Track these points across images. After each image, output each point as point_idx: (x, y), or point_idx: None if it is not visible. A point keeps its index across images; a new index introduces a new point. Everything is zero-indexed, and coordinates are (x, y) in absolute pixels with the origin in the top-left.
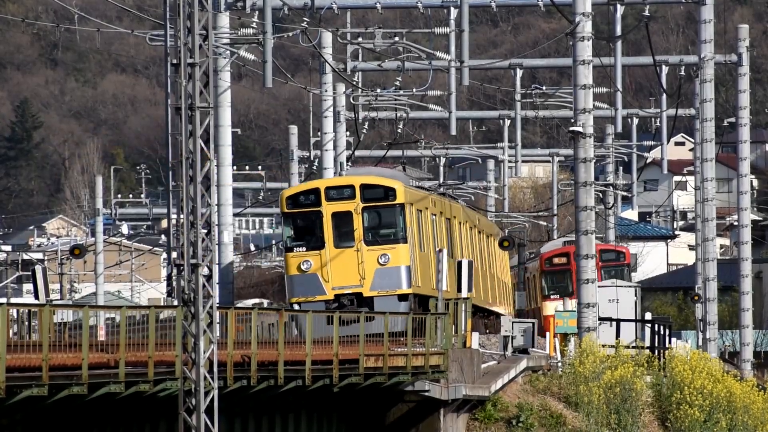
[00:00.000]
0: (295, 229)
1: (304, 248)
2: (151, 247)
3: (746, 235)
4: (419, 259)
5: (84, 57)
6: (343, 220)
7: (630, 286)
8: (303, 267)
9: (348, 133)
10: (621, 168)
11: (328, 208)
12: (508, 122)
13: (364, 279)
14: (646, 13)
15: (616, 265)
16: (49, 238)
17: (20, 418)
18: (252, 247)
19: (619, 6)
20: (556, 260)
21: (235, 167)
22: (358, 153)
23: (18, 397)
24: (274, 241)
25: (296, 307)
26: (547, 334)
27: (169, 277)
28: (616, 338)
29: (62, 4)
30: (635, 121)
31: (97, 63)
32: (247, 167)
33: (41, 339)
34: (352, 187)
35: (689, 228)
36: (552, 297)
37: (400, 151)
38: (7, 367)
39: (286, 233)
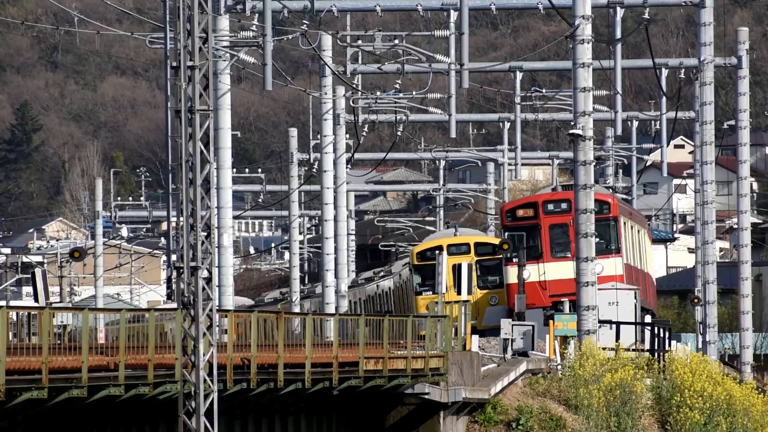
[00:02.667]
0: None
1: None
2: (150, 250)
3: (746, 238)
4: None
5: (84, 60)
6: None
7: (630, 289)
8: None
9: (348, 135)
10: (621, 171)
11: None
12: (507, 125)
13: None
14: (646, 15)
15: (599, 220)
16: (48, 241)
17: (20, 421)
18: (252, 250)
19: (618, 9)
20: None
21: (234, 170)
22: (357, 155)
23: (18, 399)
24: (273, 244)
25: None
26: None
27: (168, 280)
28: (616, 341)
29: (62, 7)
30: (635, 123)
31: (97, 66)
32: (246, 170)
33: (41, 342)
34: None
35: (689, 231)
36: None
37: (400, 154)
38: (7, 369)
39: (415, 280)
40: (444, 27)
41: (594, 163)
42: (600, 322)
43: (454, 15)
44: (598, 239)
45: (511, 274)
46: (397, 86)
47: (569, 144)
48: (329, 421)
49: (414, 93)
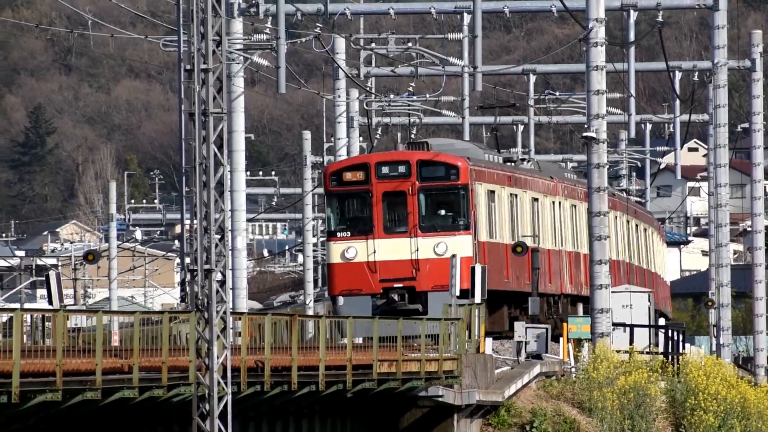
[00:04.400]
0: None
1: (350, 234)
2: (164, 253)
3: (760, 240)
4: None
5: (98, 62)
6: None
7: (644, 292)
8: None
9: (361, 138)
10: (634, 173)
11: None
12: (521, 128)
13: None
14: (660, 18)
15: (440, 188)
16: (62, 244)
17: (34, 423)
18: (265, 253)
19: (632, 12)
20: (349, 176)
21: (248, 173)
22: None
23: (32, 402)
24: (287, 247)
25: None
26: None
27: (182, 283)
28: (630, 344)
29: (76, 10)
30: (648, 126)
31: (111, 68)
32: (260, 172)
33: (55, 344)
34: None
35: (703, 234)
36: (340, 235)
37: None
38: (22, 372)
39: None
40: (457, 30)
41: (607, 166)
42: (614, 324)
43: (467, 18)
44: (444, 212)
45: (334, 252)
46: (410, 89)
47: (583, 147)
48: (343, 423)
49: (427, 96)
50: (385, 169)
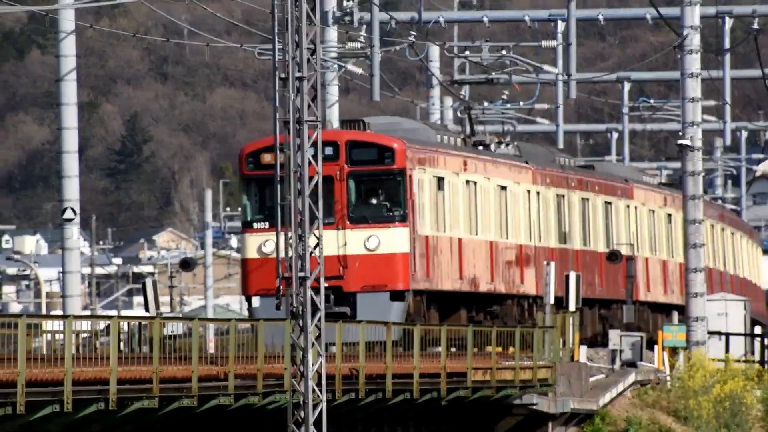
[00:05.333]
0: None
1: (268, 225)
2: None
3: None
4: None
5: (193, 71)
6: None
7: (739, 300)
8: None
9: None
10: (730, 181)
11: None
12: (615, 135)
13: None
14: (755, 26)
15: (373, 173)
16: (159, 251)
17: (131, 430)
18: None
19: (727, 19)
20: (268, 158)
21: None
22: None
23: (129, 409)
24: None
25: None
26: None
27: (277, 291)
28: (726, 352)
29: (172, 19)
30: (744, 134)
31: (206, 77)
32: None
33: (152, 352)
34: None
35: None
36: (257, 226)
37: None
38: (119, 379)
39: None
40: (551, 37)
41: (703, 174)
42: (709, 333)
43: (561, 25)
44: (377, 201)
45: (250, 245)
46: (504, 97)
47: (678, 154)
48: (438, 430)
49: (521, 103)
50: (309, 151)
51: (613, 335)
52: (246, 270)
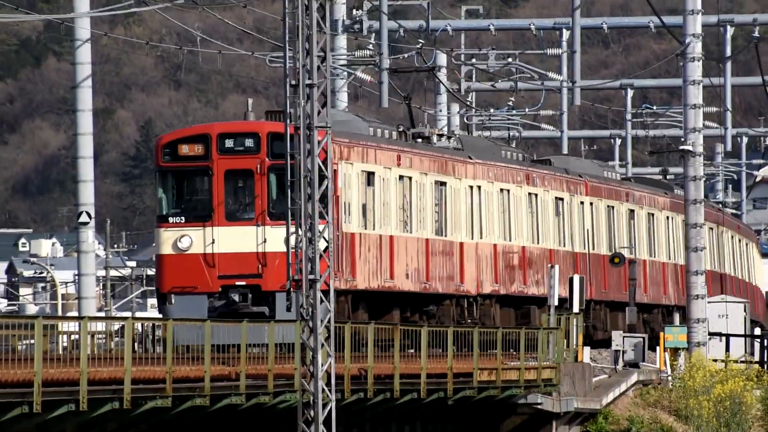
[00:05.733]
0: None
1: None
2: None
3: None
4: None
5: (206, 78)
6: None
7: (739, 302)
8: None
9: None
10: (730, 186)
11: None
12: (618, 141)
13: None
14: (756, 34)
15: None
16: None
17: (145, 429)
18: None
19: (728, 27)
20: (185, 149)
21: None
22: None
23: (143, 408)
24: None
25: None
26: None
27: (287, 293)
28: (726, 352)
29: (185, 27)
30: (744, 140)
31: (219, 84)
32: None
33: (165, 352)
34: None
35: None
36: (173, 221)
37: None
38: (133, 379)
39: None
40: (556, 45)
41: (704, 179)
42: (710, 334)
43: (566, 34)
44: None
45: (165, 240)
46: (510, 103)
47: (679, 160)
48: (444, 429)
49: (527, 110)
50: (229, 142)
51: (616, 336)
52: (161, 267)
